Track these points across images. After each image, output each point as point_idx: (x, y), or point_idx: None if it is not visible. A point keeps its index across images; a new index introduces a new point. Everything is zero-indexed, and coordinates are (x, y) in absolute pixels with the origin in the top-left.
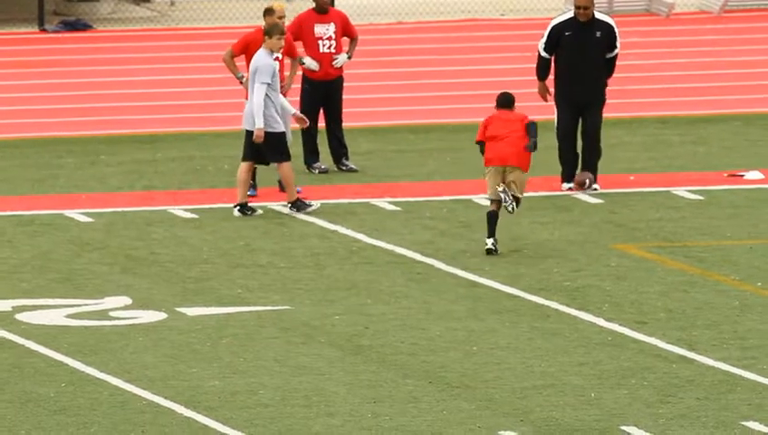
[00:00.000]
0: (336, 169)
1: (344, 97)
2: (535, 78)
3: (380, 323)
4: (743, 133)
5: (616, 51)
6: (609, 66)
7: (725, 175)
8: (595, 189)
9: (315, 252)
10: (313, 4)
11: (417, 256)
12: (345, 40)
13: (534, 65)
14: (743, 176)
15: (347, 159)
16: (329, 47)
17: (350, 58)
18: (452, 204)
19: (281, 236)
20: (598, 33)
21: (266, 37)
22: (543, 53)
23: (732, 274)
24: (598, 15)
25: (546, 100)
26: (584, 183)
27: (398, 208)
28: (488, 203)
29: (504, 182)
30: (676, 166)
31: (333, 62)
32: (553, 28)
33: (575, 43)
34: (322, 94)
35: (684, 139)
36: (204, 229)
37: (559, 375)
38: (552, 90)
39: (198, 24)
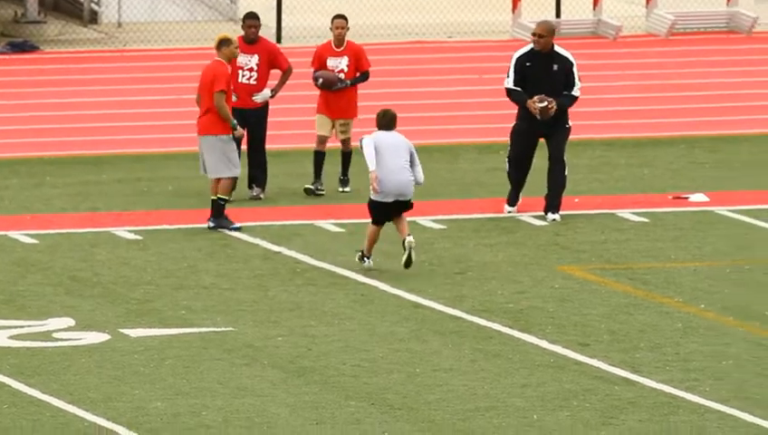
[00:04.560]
0: (252, 192)
1: (292, 119)
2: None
3: (323, 344)
4: (688, 156)
5: (574, 92)
6: (565, 101)
7: (670, 197)
8: (555, 220)
9: (259, 273)
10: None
11: (361, 278)
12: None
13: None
14: (688, 198)
15: (258, 185)
16: (248, 78)
17: (273, 95)
18: None
19: (225, 258)
20: (555, 67)
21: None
22: (512, 87)
23: (676, 296)
24: (558, 49)
25: (545, 114)
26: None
27: (342, 230)
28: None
29: None
30: (621, 188)
31: (253, 97)
32: (517, 60)
33: (535, 74)
34: (241, 123)
35: (629, 161)
36: (148, 251)
37: (501, 397)
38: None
39: (146, 45)
